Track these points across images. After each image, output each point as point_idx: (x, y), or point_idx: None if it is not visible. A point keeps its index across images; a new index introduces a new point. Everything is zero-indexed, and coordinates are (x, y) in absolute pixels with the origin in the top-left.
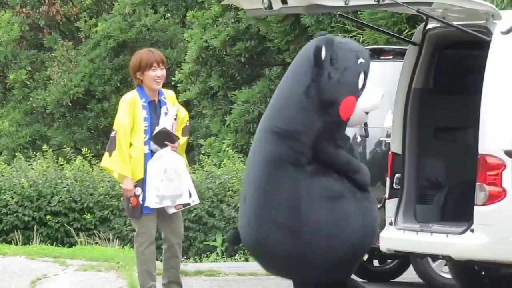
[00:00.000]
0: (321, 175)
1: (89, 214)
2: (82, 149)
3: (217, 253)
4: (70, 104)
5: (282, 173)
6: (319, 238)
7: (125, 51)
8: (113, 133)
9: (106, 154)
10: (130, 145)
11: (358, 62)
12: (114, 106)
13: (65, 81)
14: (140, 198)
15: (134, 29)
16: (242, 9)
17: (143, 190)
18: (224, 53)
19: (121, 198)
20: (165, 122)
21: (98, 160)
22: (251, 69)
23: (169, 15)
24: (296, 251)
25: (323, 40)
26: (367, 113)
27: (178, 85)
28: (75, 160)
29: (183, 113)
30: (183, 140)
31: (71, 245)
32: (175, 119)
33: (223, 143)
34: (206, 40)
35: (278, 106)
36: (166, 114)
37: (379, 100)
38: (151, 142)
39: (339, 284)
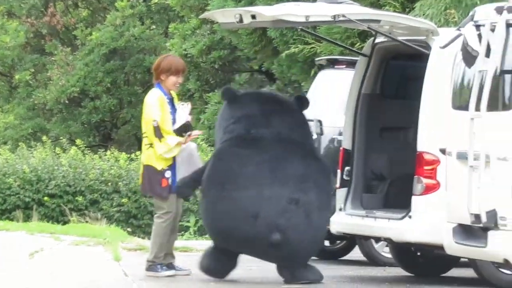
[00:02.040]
0: None
1: (81, 197)
2: (76, 140)
3: (190, 232)
4: (67, 102)
5: None
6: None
7: (115, 57)
8: (155, 123)
9: (157, 140)
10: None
11: None
12: (104, 104)
13: (63, 81)
14: (170, 181)
15: (123, 38)
16: (217, 22)
17: (172, 174)
18: (200, 60)
19: (109, 183)
20: (184, 115)
21: (90, 150)
22: (224, 75)
23: (154, 27)
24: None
25: None
26: None
27: None
28: (70, 150)
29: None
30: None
31: (65, 223)
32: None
33: (198, 138)
34: (185, 49)
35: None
36: (182, 109)
37: None
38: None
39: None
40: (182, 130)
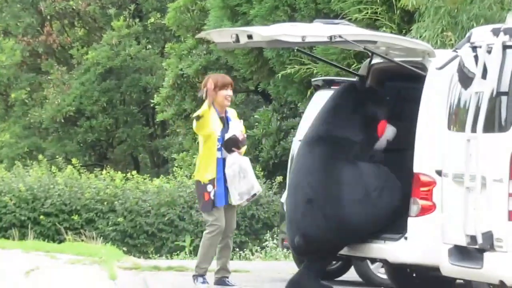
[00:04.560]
0: None
1: (76, 216)
2: (72, 159)
3: (185, 252)
4: (63, 121)
5: None
6: None
7: (111, 76)
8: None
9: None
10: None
11: None
12: (101, 124)
13: (59, 100)
14: (212, 194)
15: (119, 58)
16: (213, 42)
17: (216, 188)
18: (196, 80)
19: (105, 202)
20: (234, 131)
21: (85, 170)
22: None
23: (150, 46)
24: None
25: None
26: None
27: (156, 106)
28: (66, 169)
29: (242, 127)
30: (244, 148)
31: (61, 242)
32: (241, 131)
33: (194, 157)
34: (182, 68)
35: None
36: (234, 125)
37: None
38: (222, 149)
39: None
40: (230, 145)
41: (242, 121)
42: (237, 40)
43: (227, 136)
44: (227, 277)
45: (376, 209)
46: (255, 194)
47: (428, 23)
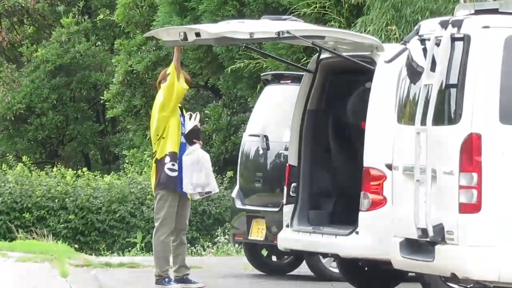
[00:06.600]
0: None
1: (28, 213)
2: (22, 157)
3: (137, 248)
4: (13, 119)
5: None
6: None
7: (61, 73)
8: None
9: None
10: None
11: None
12: (51, 121)
13: (9, 98)
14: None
15: (69, 55)
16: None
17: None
18: (146, 76)
19: (56, 199)
20: (193, 123)
21: (36, 167)
22: None
23: (99, 43)
24: None
25: None
26: None
27: (106, 103)
28: (16, 166)
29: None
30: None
31: (12, 240)
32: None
33: (145, 153)
34: (131, 65)
35: None
36: (190, 118)
37: None
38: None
39: None
40: (191, 136)
41: (197, 113)
42: (185, 38)
43: (188, 126)
44: (189, 274)
45: None
46: (209, 192)
47: (373, 17)
